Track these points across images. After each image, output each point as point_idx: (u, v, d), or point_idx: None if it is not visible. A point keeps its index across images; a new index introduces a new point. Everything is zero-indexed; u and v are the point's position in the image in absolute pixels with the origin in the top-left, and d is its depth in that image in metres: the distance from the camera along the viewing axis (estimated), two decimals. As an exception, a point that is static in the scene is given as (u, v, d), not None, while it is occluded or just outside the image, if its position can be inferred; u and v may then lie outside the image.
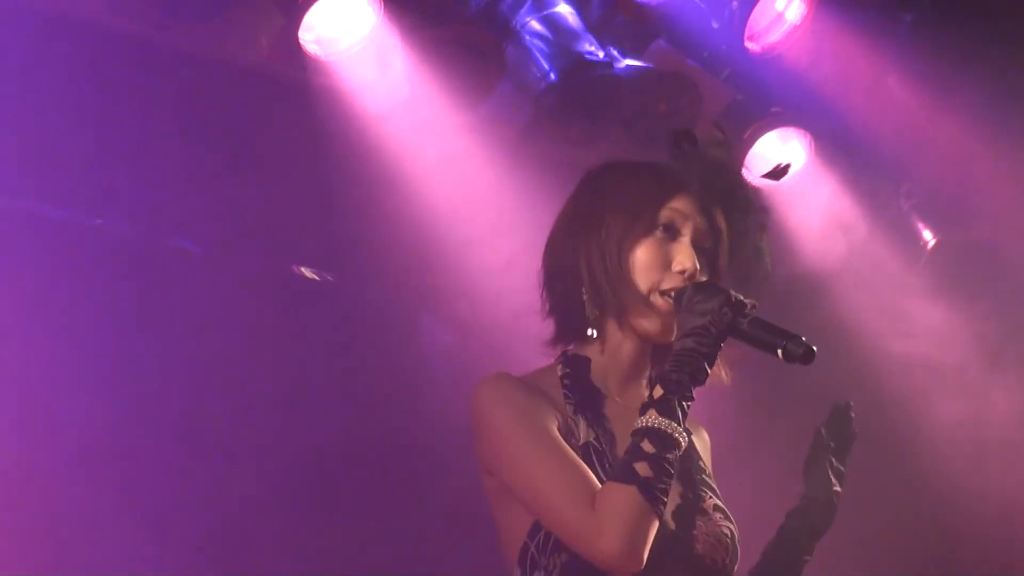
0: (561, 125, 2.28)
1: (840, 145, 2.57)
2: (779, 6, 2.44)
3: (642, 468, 1.36)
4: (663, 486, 1.37)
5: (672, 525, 1.45)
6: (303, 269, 2.31)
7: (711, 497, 1.51)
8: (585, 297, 1.50)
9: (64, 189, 2.22)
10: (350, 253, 2.48)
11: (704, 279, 1.46)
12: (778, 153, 2.47)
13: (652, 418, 1.37)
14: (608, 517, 1.37)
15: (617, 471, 1.38)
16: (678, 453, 1.40)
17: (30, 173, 2.16)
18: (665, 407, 1.39)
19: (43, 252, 2.15)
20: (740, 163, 2.40)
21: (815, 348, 1.38)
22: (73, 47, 2.18)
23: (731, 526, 1.51)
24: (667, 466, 1.38)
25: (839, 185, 2.58)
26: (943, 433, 2.58)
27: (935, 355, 2.61)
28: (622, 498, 1.36)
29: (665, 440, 1.38)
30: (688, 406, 1.40)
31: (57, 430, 2.60)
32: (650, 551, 1.41)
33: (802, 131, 2.59)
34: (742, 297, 1.41)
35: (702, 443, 1.66)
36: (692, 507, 1.50)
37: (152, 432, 2.55)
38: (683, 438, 1.39)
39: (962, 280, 2.64)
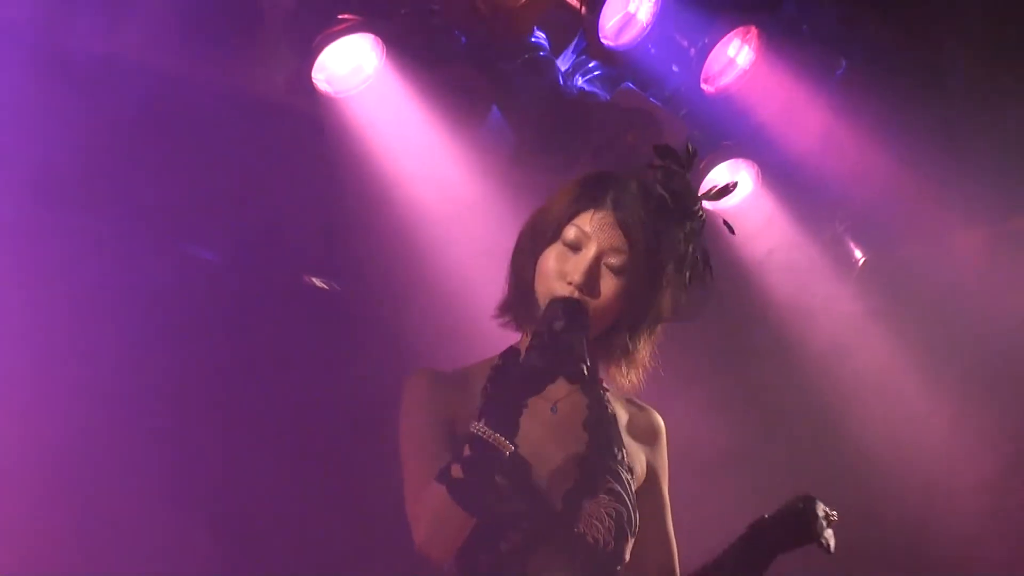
0: (540, 154, 2.52)
1: (783, 174, 2.80)
2: (731, 52, 2.66)
3: (456, 470, 1.39)
4: (474, 488, 1.39)
5: (559, 506, 1.49)
6: (313, 279, 2.58)
7: (610, 482, 1.52)
8: (511, 298, 1.56)
9: (101, 203, 2.42)
10: (353, 264, 2.73)
11: (580, 293, 1.45)
12: (728, 181, 2.74)
13: (479, 427, 1.40)
14: (420, 512, 1.44)
15: (438, 471, 1.41)
16: (499, 458, 1.40)
17: (74, 188, 2.38)
18: (493, 414, 1.41)
19: (88, 263, 2.38)
20: (696, 189, 2.69)
21: (586, 371, 1.39)
22: (115, 79, 2.42)
23: (619, 507, 1.51)
24: (481, 470, 1.39)
25: (782, 209, 2.79)
26: (867, 416, 2.86)
27: (859, 353, 2.92)
28: (433, 496, 1.41)
29: (485, 447, 1.39)
30: (518, 418, 1.40)
31: (81, 434, 2.62)
32: (533, 528, 1.49)
33: (750, 162, 2.80)
34: (584, 321, 1.42)
35: (645, 434, 1.66)
36: (583, 490, 1.51)
37: (175, 436, 2.65)
38: (505, 446, 1.39)
39: (888, 292, 2.89)
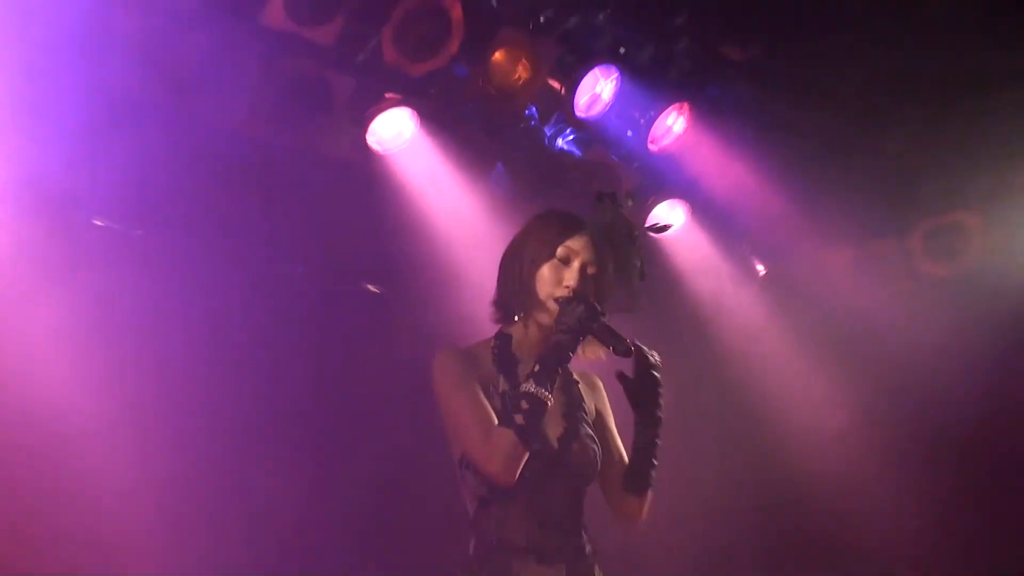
0: (532, 197, 3.33)
1: (707, 210, 3.69)
2: (669, 122, 3.50)
3: (518, 418, 1.82)
4: (532, 430, 1.83)
5: (555, 446, 1.94)
6: (368, 285, 3.49)
7: (584, 428, 2.00)
8: (504, 296, 1.99)
9: (226, 232, 3.28)
10: (396, 274, 3.60)
11: (582, 294, 1.89)
12: (668, 215, 3.57)
13: (530, 385, 1.84)
14: (493, 450, 1.84)
15: (502, 418, 1.84)
16: (545, 409, 1.85)
17: (205, 220, 3.25)
18: (539, 378, 1.84)
19: (217, 274, 3.24)
20: (642, 222, 3.59)
21: (633, 348, 1.88)
22: (228, 141, 3.24)
23: (595, 447, 2.00)
24: (536, 418, 1.83)
25: (706, 235, 3.68)
26: (767, 384, 3.78)
27: (763, 338, 3.78)
28: (503, 437, 1.83)
29: (535, 401, 1.84)
30: (556, 378, 1.85)
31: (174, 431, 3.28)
32: (539, 464, 1.89)
33: (683, 201, 3.67)
34: (598, 308, 1.87)
35: (592, 390, 2.13)
36: (570, 435, 1.98)
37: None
38: (549, 399, 1.84)
39: (780, 295, 3.81)
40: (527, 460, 1.89)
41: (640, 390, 2.00)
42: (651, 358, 2.00)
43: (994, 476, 3.84)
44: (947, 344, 3.54)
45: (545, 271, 1.94)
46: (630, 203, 3.09)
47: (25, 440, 3.15)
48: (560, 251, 1.93)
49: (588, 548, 2.01)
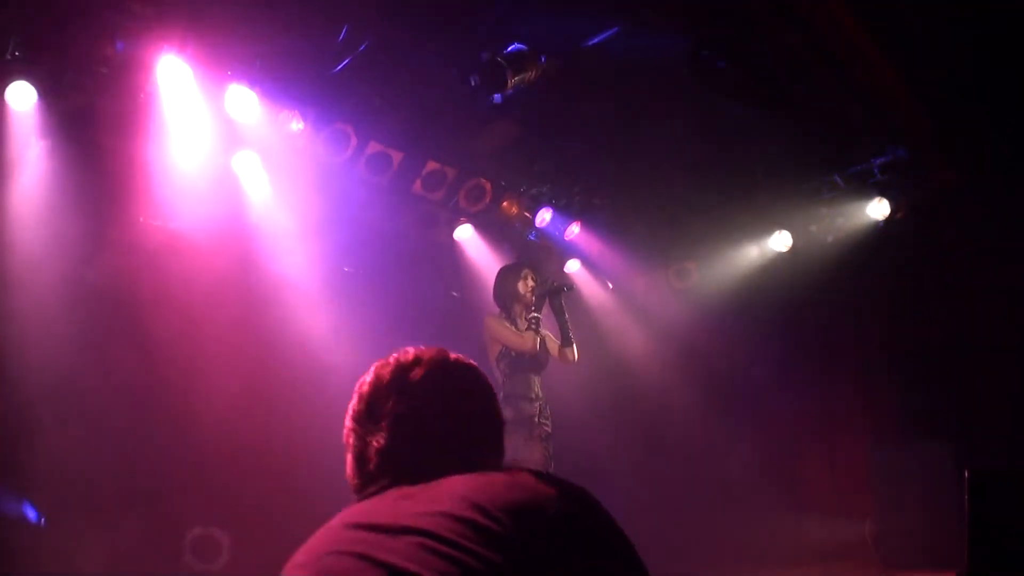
0: (519, 252, 8.20)
1: (587, 262, 8.28)
2: (573, 228, 7.97)
3: (533, 327, 5.92)
4: (535, 332, 5.77)
5: (536, 349, 5.76)
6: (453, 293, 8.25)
7: (545, 349, 5.85)
8: (500, 300, 6.04)
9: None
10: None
11: (540, 285, 5.82)
12: (571, 267, 8.37)
13: (532, 316, 5.84)
14: (525, 339, 5.80)
15: (525, 331, 5.96)
16: (539, 323, 5.79)
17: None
18: (536, 307, 5.87)
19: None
20: (562, 267, 8.50)
21: (556, 285, 5.80)
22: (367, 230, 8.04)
23: (547, 350, 5.88)
24: (536, 326, 5.77)
25: (589, 274, 8.56)
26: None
27: (613, 318, 8.72)
28: (527, 334, 5.81)
29: (535, 319, 5.89)
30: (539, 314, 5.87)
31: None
32: (529, 357, 5.76)
33: (578, 258, 8.43)
34: (562, 285, 5.80)
35: (549, 339, 5.98)
36: (542, 348, 5.82)
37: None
38: (539, 317, 5.77)
39: (622, 299, 8.78)
40: (527, 358, 5.88)
41: (554, 295, 5.83)
42: (563, 285, 6.14)
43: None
44: (684, 319, 8.50)
45: (519, 284, 5.91)
46: (557, 258, 7.99)
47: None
48: (526, 275, 5.90)
49: (543, 395, 6.36)
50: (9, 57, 5.37)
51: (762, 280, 7.97)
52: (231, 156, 6.41)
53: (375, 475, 1.97)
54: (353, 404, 2.05)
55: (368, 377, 2.06)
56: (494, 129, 7.07)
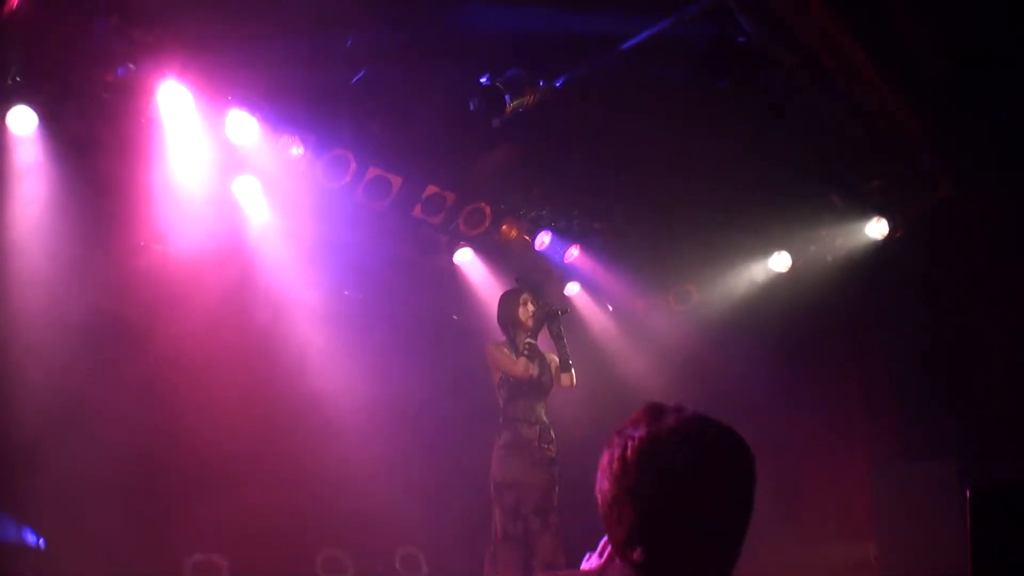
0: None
1: (586, 285, 8.35)
2: (572, 251, 7.98)
3: (526, 354, 5.99)
4: (531, 359, 5.86)
5: (536, 374, 5.94)
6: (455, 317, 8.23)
7: (548, 369, 5.99)
8: (502, 326, 6.25)
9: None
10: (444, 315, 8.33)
11: (539, 311, 5.94)
12: (570, 290, 8.37)
13: (530, 340, 5.94)
14: (521, 365, 5.88)
15: (517, 358, 5.91)
16: (535, 350, 6.04)
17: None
18: (532, 336, 6.03)
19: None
20: (562, 290, 8.46)
21: (554, 310, 6.02)
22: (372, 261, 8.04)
23: (550, 375, 5.98)
24: (533, 352, 5.89)
25: (587, 296, 8.58)
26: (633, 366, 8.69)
27: (613, 343, 8.68)
28: (522, 363, 5.90)
29: (532, 346, 5.98)
30: (536, 339, 5.99)
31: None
32: (530, 383, 5.86)
33: (577, 282, 8.37)
34: (558, 309, 6.03)
35: (550, 359, 6.09)
36: (542, 371, 5.97)
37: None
38: (534, 344, 5.93)
39: (621, 320, 8.76)
40: (525, 383, 5.92)
41: (552, 320, 5.99)
42: (558, 310, 6.24)
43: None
44: (685, 340, 8.47)
45: (519, 310, 6.08)
46: (557, 282, 7.96)
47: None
48: (525, 301, 6.07)
49: (546, 419, 6.25)
50: (10, 82, 5.38)
51: (762, 301, 7.92)
52: (231, 181, 6.40)
53: (625, 550, 1.84)
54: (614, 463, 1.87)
55: (625, 440, 1.87)
56: (493, 153, 7.07)
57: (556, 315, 5.99)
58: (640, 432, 1.83)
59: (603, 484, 1.85)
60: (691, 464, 1.79)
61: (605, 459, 1.86)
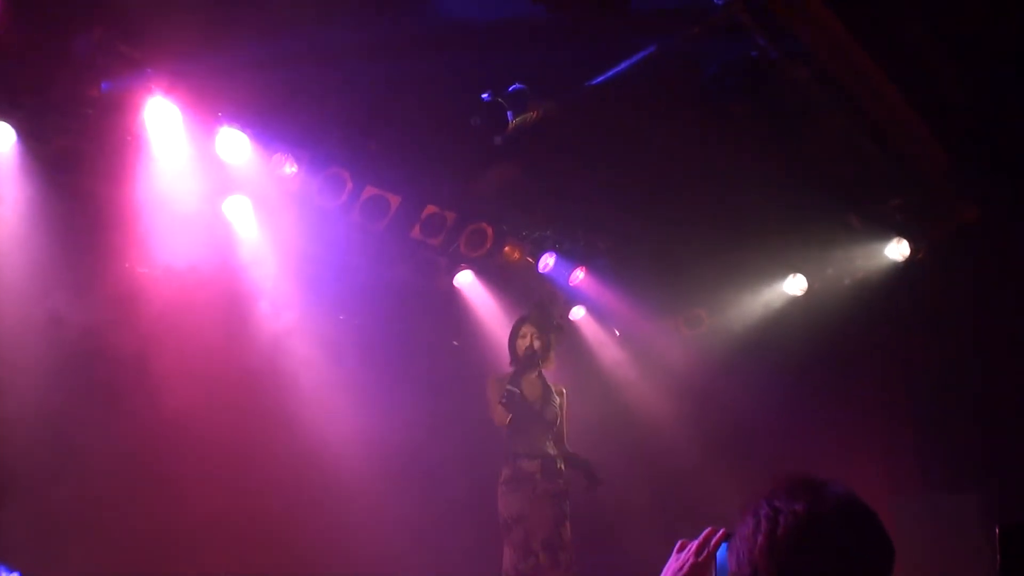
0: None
1: (592, 309, 8.04)
2: (577, 274, 7.68)
3: (503, 401, 6.00)
4: (509, 406, 5.81)
5: (538, 408, 5.98)
6: (455, 343, 7.93)
7: (552, 402, 6.02)
8: (511, 357, 6.22)
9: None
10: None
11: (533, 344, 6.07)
12: (575, 312, 8.09)
13: (511, 387, 6.03)
14: (499, 413, 5.92)
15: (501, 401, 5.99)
16: (516, 396, 5.98)
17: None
18: (512, 382, 6.02)
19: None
20: (567, 313, 8.16)
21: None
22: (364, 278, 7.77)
23: (555, 409, 5.96)
24: (512, 399, 5.83)
25: (594, 320, 8.31)
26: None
27: (624, 371, 8.34)
28: (501, 410, 5.94)
29: (511, 392, 5.95)
30: (520, 381, 6.04)
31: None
32: (532, 416, 5.92)
33: (582, 306, 8.08)
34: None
35: (557, 392, 6.11)
36: (545, 403, 6.00)
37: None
38: (516, 391, 5.99)
39: (628, 345, 8.42)
40: (524, 416, 5.92)
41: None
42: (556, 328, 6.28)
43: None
44: (695, 367, 8.15)
45: (517, 341, 6.14)
46: (562, 304, 7.68)
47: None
48: (522, 331, 6.16)
49: (552, 452, 6.19)
50: (-14, 96, 5.15)
51: (777, 326, 7.69)
52: (222, 200, 6.14)
53: None
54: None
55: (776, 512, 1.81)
56: (495, 171, 6.81)
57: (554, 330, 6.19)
58: (798, 507, 1.80)
59: (742, 550, 1.83)
60: (854, 545, 1.78)
61: (749, 527, 1.83)
